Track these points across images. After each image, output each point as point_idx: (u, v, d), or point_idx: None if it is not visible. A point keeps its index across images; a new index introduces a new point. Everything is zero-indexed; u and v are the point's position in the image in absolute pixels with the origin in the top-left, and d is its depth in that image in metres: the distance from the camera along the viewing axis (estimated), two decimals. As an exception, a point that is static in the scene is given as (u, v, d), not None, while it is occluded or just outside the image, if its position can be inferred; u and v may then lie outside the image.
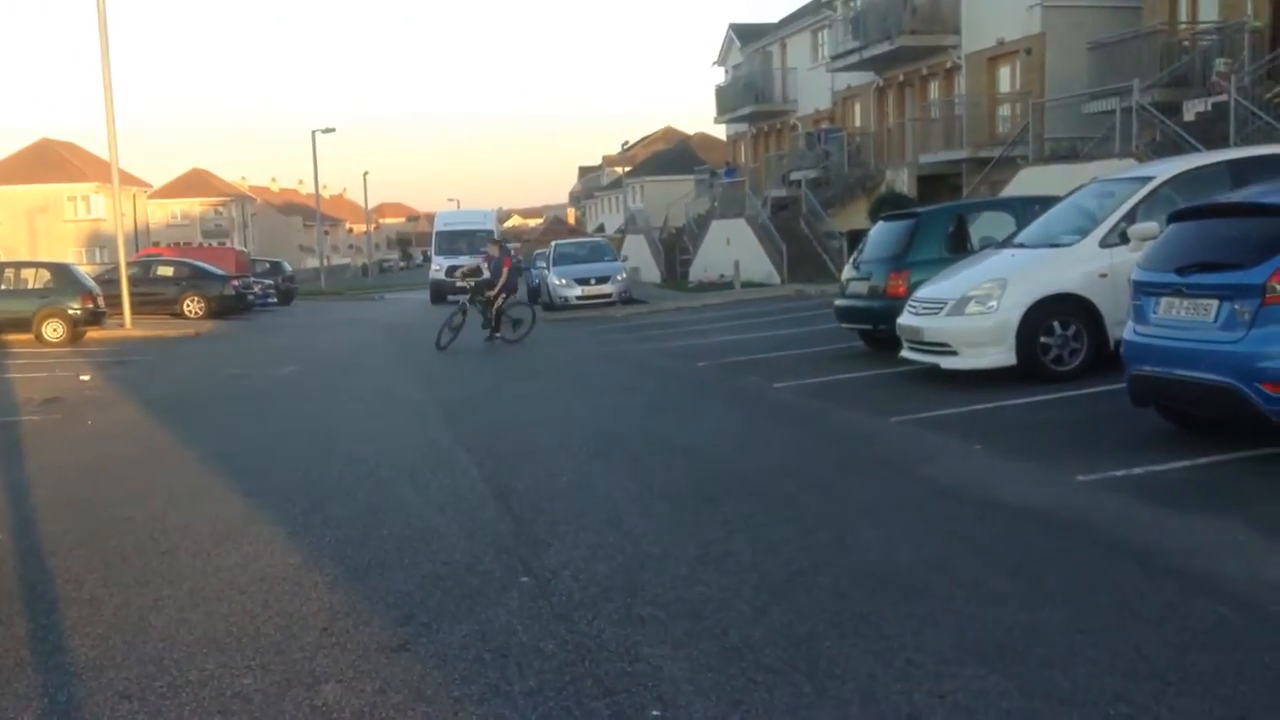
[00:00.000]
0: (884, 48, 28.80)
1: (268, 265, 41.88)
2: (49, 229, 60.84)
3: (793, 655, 3.91)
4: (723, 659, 3.91)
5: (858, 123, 34.94)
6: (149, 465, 8.62)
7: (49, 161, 63.59)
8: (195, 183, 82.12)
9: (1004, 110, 26.54)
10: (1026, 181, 19.67)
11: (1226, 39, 18.84)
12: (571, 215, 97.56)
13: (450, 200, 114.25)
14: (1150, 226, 8.54)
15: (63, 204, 62.66)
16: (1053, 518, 5.52)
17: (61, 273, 23.71)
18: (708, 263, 35.15)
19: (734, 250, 31.65)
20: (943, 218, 13.09)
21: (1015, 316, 9.41)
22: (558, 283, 27.22)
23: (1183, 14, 21.22)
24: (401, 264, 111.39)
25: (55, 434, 10.44)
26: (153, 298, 29.07)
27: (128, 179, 55.51)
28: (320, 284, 57.79)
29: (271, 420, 11.17)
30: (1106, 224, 9.47)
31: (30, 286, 23.00)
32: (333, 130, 57.64)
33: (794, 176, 33.95)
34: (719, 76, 48.04)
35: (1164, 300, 6.66)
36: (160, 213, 76.73)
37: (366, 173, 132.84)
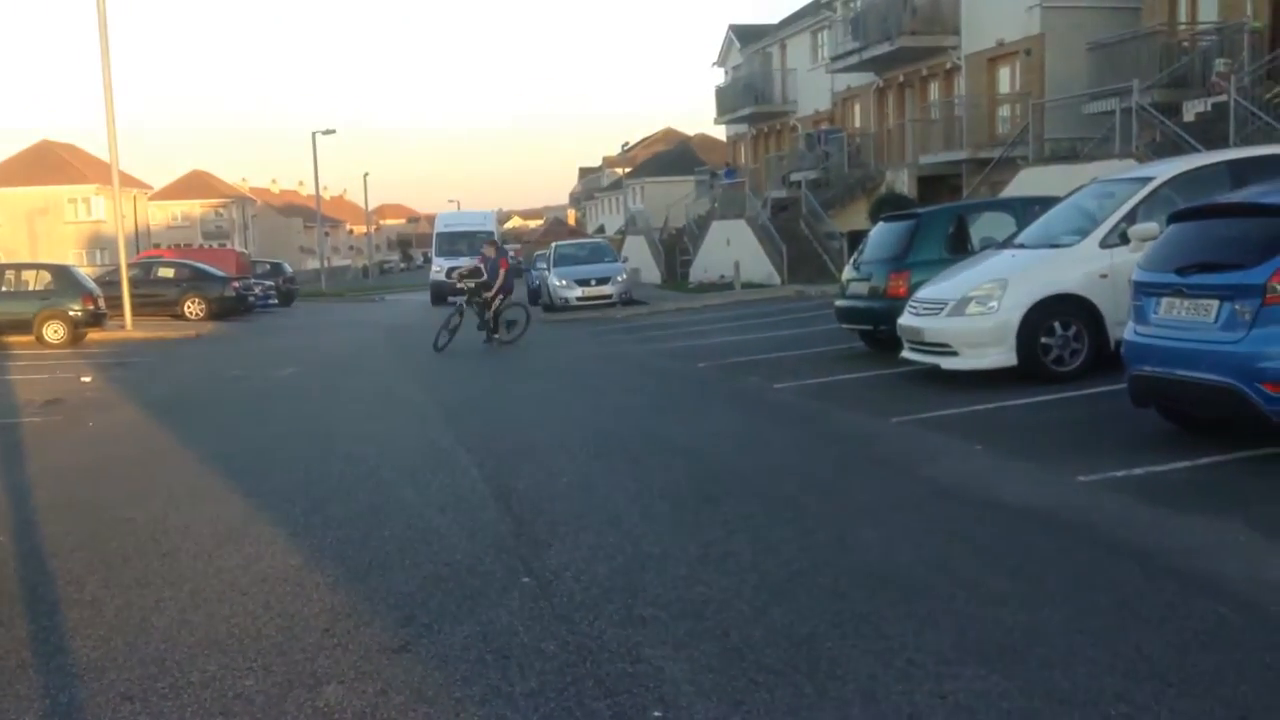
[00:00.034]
0: (884, 48, 28.81)
1: (268, 267, 41.89)
2: (49, 231, 60.86)
3: (794, 656, 3.91)
4: (724, 659, 3.91)
5: (858, 123, 34.95)
6: (150, 466, 8.63)
7: (49, 163, 63.60)
8: (196, 184, 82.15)
9: (1004, 111, 26.55)
10: (1026, 182, 19.68)
11: (1226, 39, 18.85)
12: (572, 216, 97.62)
13: (450, 201, 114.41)
14: (1150, 227, 8.54)
15: (63, 206, 62.67)
16: (1053, 518, 5.53)
17: (62, 274, 23.71)
18: (708, 264, 35.17)
19: (734, 251, 31.66)
20: (943, 218, 13.10)
21: (1016, 317, 9.42)
22: (558, 284, 27.23)
23: (1182, 14, 21.23)
24: (402, 265, 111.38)
25: (56, 435, 10.45)
26: (153, 299, 29.09)
27: (128, 181, 55.55)
28: (321, 285, 57.80)
29: (272, 421, 11.18)
30: (1107, 224, 9.47)
31: (31, 288, 23.03)
32: (333, 132, 57.68)
33: (794, 177, 33.96)
34: (719, 77, 48.09)
35: (1164, 301, 6.66)
36: (161, 214, 76.78)
37: (367, 174, 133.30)
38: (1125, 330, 7.18)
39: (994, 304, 9.56)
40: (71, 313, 22.51)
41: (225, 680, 3.98)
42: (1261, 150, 10.35)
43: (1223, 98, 16.70)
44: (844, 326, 13.68)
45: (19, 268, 24.99)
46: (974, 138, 25.92)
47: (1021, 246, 10.38)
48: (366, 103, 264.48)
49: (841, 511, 5.98)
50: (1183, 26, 20.92)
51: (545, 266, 30.26)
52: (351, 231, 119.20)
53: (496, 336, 18.39)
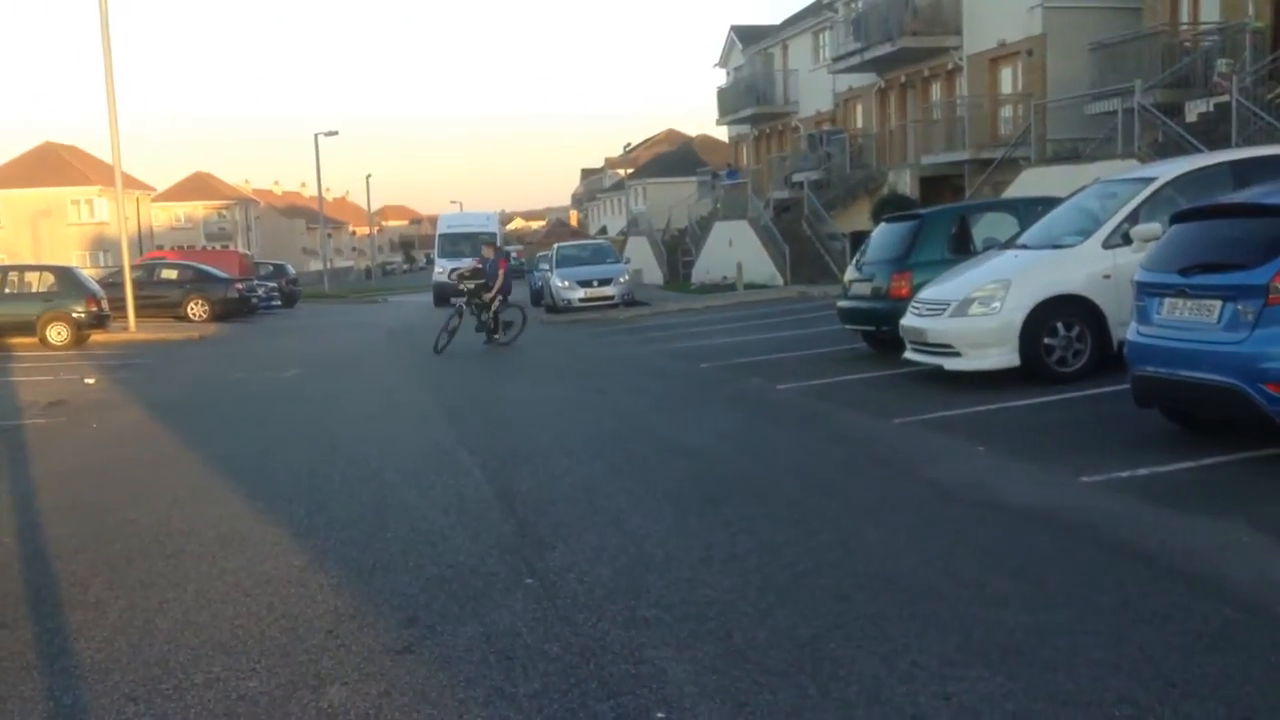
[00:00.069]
0: (885, 49, 28.82)
1: (271, 268, 41.97)
2: (52, 232, 60.93)
3: (797, 657, 3.91)
4: (727, 661, 3.91)
5: (859, 124, 34.95)
6: (153, 468, 8.64)
7: (52, 165, 63.67)
8: (198, 186, 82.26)
9: (1006, 111, 26.54)
10: (1029, 182, 19.68)
11: (1228, 39, 18.84)
12: (574, 217, 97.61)
13: (453, 203, 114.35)
14: (1153, 227, 8.53)
15: (66, 207, 62.72)
16: (1056, 519, 5.52)
17: (65, 276, 23.74)
18: (710, 264, 35.18)
19: (736, 252, 31.67)
20: (945, 219, 13.09)
21: (1018, 318, 9.41)
22: (560, 285, 27.24)
23: (1184, 14, 21.22)
24: (404, 267, 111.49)
25: (60, 437, 10.46)
26: (156, 301, 29.12)
27: (131, 182, 55.60)
28: (323, 287, 57.86)
29: (275, 423, 11.18)
30: (1109, 225, 9.46)
31: (34, 290, 23.05)
32: (336, 133, 57.90)
33: (796, 178, 33.95)
34: (720, 78, 48.09)
35: (1167, 301, 6.66)
36: (163, 216, 76.88)
37: (369, 175, 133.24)
38: (1128, 331, 7.17)
39: (997, 305, 9.56)
40: (75, 314, 22.53)
41: (229, 681, 3.99)
42: (1264, 150, 10.34)
43: (1225, 98, 16.69)
44: (846, 327, 13.68)
45: (22, 269, 25.04)
46: (976, 138, 25.91)
47: (1024, 247, 10.37)
48: (369, 104, 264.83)
49: (844, 513, 5.98)
50: (1184, 27, 20.91)
51: (548, 268, 30.27)
52: (354, 233, 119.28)
53: (496, 337, 18.40)
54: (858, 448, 7.91)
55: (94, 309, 22.83)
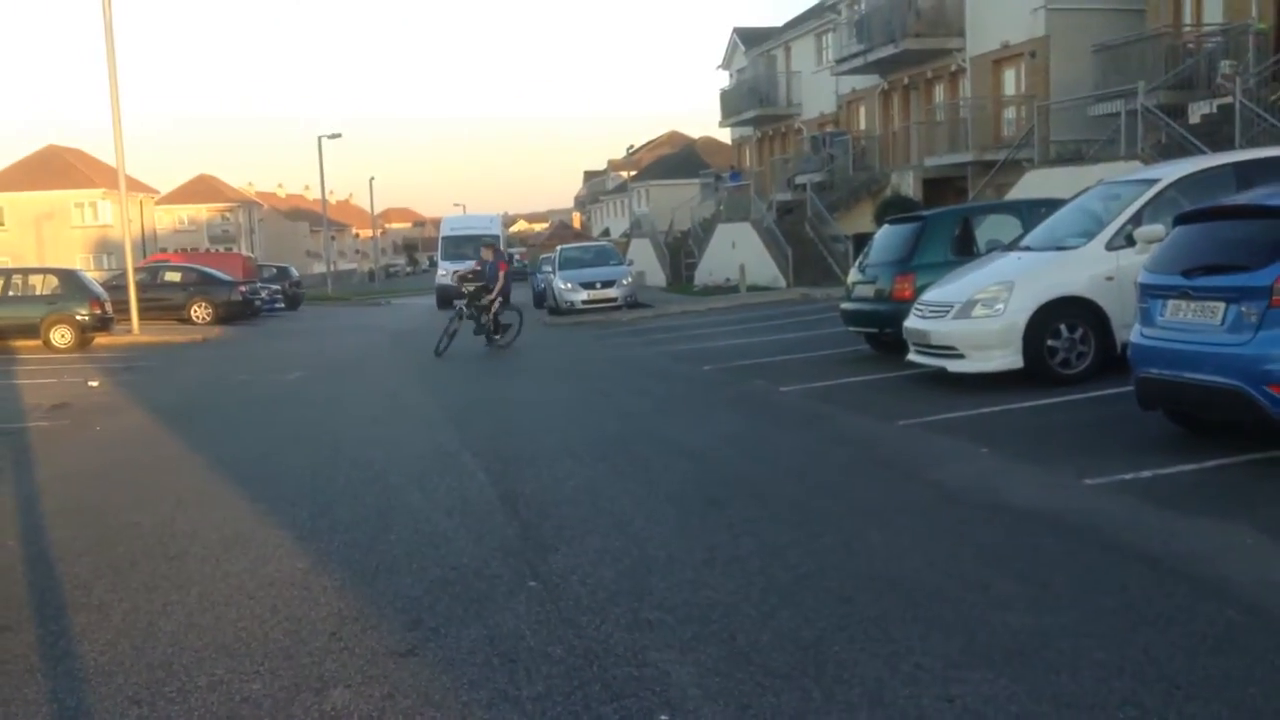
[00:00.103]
0: (888, 51, 28.82)
1: (275, 271, 42.03)
2: (56, 235, 61.01)
3: (800, 659, 3.91)
4: (730, 663, 3.91)
5: (862, 126, 34.95)
6: (157, 471, 8.65)
7: (56, 168, 63.77)
8: (202, 189, 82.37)
9: (1009, 113, 26.53)
10: (1032, 184, 19.67)
11: (1231, 41, 18.82)
12: (577, 219, 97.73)
13: (456, 205, 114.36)
14: (1156, 229, 8.53)
15: (70, 210, 62.81)
16: (1060, 521, 5.52)
17: (69, 279, 23.79)
18: (713, 266, 35.19)
19: (739, 254, 31.67)
20: (948, 221, 13.08)
21: (1022, 319, 9.41)
22: (563, 287, 27.27)
23: (1187, 16, 21.21)
24: (408, 269, 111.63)
25: (64, 440, 10.47)
26: (160, 303, 29.18)
27: (135, 185, 55.67)
28: (327, 289, 57.98)
29: (279, 425, 11.19)
30: (1113, 227, 9.46)
31: (38, 293, 23.11)
32: (339, 136, 58.51)
33: (799, 180, 33.97)
34: (723, 80, 48.14)
35: (1171, 303, 6.65)
36: (167, 219, 76.99)
37: (373, 178, 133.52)
38: (1131, 333, 7.16)
39: (1000, 306, 9.55)
40: (78, 317, 22.58)
41: (232, 684, 3.99)
42: (1267, 152, 10.32)
43: (1228, 99, 16.68)
44: (850, 329, 13.67)
45: (26, 272, 25.11)
46: (979, 140, 25.90)
47: (1027, 249, 10.37)
48: (372, 107, 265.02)
49: (848, 515, 5.98)
50: (1188, 28, 20.89)
51: (551, 270, 30.29)
52: (357, 235, 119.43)
53: (496, 338, 18.39)
54: (861, 450, 7.91)
55: (98, 311, 22.88)
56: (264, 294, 34.91)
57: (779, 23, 43.81)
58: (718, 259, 34.76)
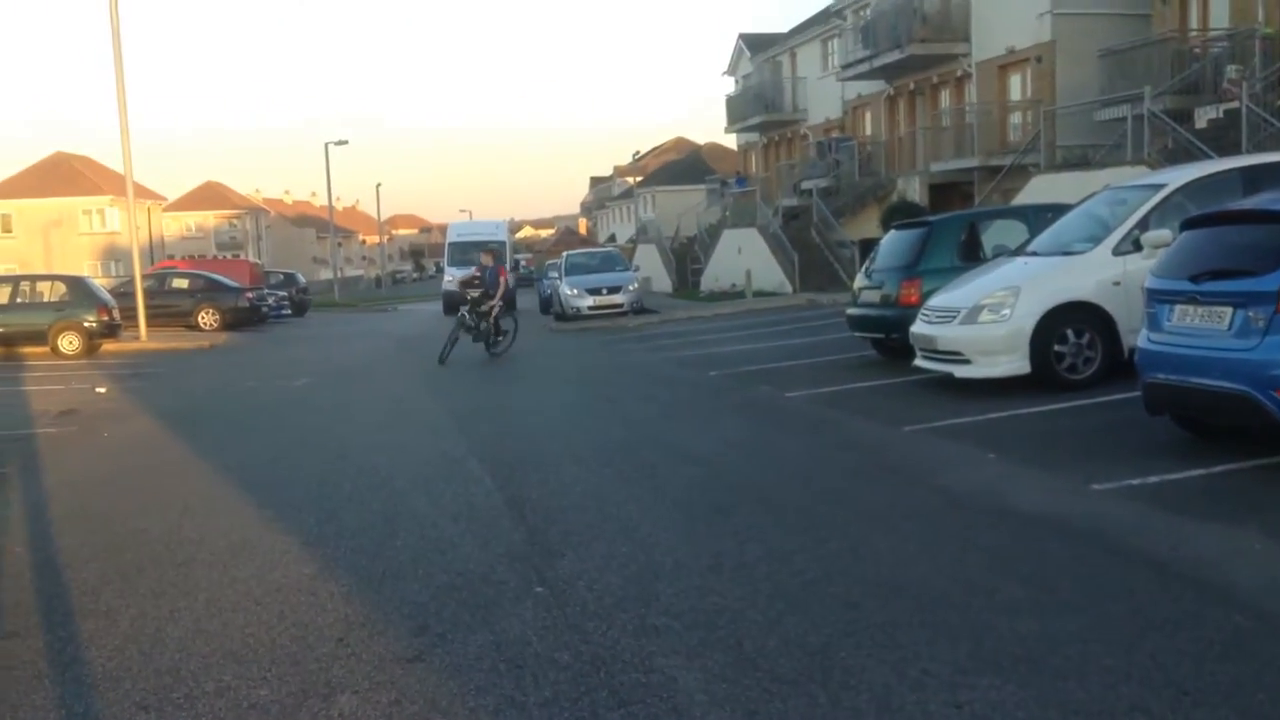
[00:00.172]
0: (894, 56, 28.82)
1: (282, 277, 42.13)
2: (64, 242, 61.20)
3: (807, 665, 3.91)
4: (737, 669, 3.91)
5: (868, 131, 34.94)
6: (164, 477, 8.67)
7: (63, 175, 63.99)
8: (209, 195, 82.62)
9: (1015, 118, 26.51)
10: (1038, 189, 19.64)
11: (1237, 45, 18.81)
12: (583, 225, 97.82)
13: (462, 211, 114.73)
14: (1163, 234, 8.52)
15: (77, 217, 63.02)
16: (1067, 526, 5.51)
17: (77, 286, 23.88)
18: (719, 272, 35.19)
19: (745, 259, 31.67)
20: (955, 226, 13.08)
21: (1029, 325, 9.40)
22: (569, 293, 27.29)
23: (1193, 21, 21.19)
24: (414, 275, 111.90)
25: (71, 446, 10.50)
26: (168, 310, 29.26)
27: (142, 192, 55.87)
28: (334, 295, 58.12)
29: (286, 431, 11.22)
30: (1119, 231, 9.45)
31: (46, 299, 23.21)
32: (346, 142, 58.63)
33: (805, 185, 33.98)
34: (729, 86, 48.14)
35: (1178, 308, 6.64)
36: (175, 225, 77.24)
37: (379, 184, 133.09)
38: (1139, 338, 7.15)
39: (1007, 312, 9.54)
40: (86, 324, 22.66)
41: (240, 690, 4.00)
42: (1274, 157, 10.32)
43: (1234, 104, 16.66)
44: (856, 335, 13.66)
45: (34, 279, 25.20)
46: (985, 145, 25.89)
47: (1034, 254, 10.35)
48: (379, 113, 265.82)
49: (854, 520, 5.97)
50: (1194, 33, 20.88)
51: (557, 276, 30.33)
52: (364, 242, 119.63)
53: (497, 340, 18.37)
54: (867, 455, 7.90)
55: (105, 318, 22.96)
56: (271, 300, 34.99)
57: (785, 29, 43.76)
58: (724, 264, 34.76)
